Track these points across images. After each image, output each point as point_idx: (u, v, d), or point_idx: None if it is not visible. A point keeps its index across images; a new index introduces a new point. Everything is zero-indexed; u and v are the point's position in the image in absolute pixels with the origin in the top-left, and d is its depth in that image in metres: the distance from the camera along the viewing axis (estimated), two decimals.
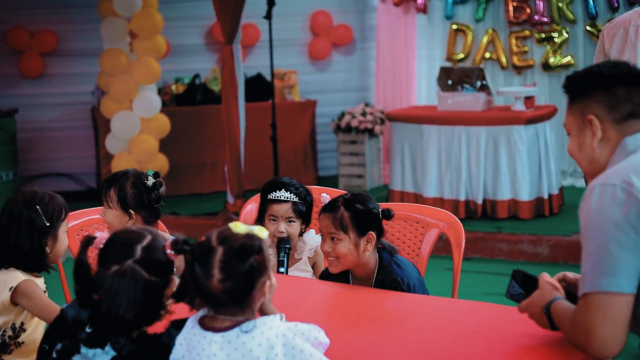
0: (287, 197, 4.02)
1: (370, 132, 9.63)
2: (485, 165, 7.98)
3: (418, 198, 8.30)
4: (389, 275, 3.45)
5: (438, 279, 7.03)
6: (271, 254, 4.07)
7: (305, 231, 4.13)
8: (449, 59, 9.75)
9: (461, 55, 9.65)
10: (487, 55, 9.57)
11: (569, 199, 8.45)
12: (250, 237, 2.49)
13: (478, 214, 8.04)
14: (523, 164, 7.88)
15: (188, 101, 9.82)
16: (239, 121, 8.45)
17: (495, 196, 8.01)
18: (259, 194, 4.21)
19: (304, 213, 4.05)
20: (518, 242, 7.51)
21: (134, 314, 2.56)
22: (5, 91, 9.93)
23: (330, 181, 10.11)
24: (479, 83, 8.22)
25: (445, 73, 8.40)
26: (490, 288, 6.77)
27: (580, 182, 9.13)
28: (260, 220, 4.12)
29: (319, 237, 4.09)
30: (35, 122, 9.98)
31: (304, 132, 9.99)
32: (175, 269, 2.64)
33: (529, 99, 8.11)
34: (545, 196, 8.04)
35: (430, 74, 9.80)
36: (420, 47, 10.00)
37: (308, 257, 4.09)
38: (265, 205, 4.07)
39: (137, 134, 8.71)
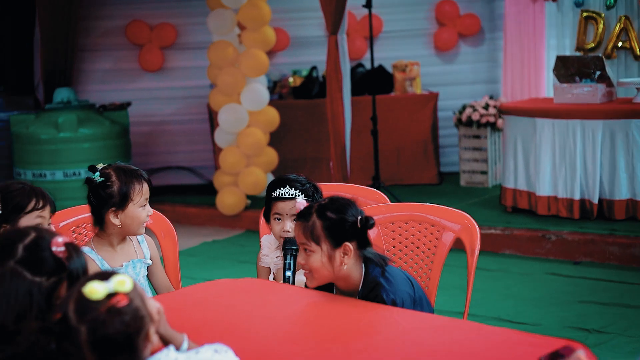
0: (292, 194, 3.70)
1: (493, 126, 9.15)
2: (602, 162, 7.40)
3: (531, 196, 7.79)
4: (373, 291, 3.09)
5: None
6: (277, 256, 3.80)
7: None
8: (579, 48, 9.11)
9: (592, 45, 9.01)
10: (620, 44, 8.90)
11: None
12: (110, 311, 2.11)
13: (594, 214, 7.46)
14: None
15: (305, 94, 9.60)
16: (343, 115, 8.16)
17: (612, 195, 7.42)
18: None
19: None
20: (631, 246, 6.91)
21: (15, 321, 2.32)
22: (125, 85, 9.99)
23: (452, 178, 9.70)
24: (597, 73, 7.63)
25: (561, 63, 7.84)
26: (592, 296, 6.22)
27: None
28: (266, 220, 3.83)
29: None
30: (153, 115, 10.01)
31: (425, 126, 9.59)
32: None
33: None
34: None
35: None
36: (550, 36, 9.42)
37: None
38: (270, 204, 3.78)
39: (245, 128, 8.54)
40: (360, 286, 3.12)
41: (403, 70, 9.63)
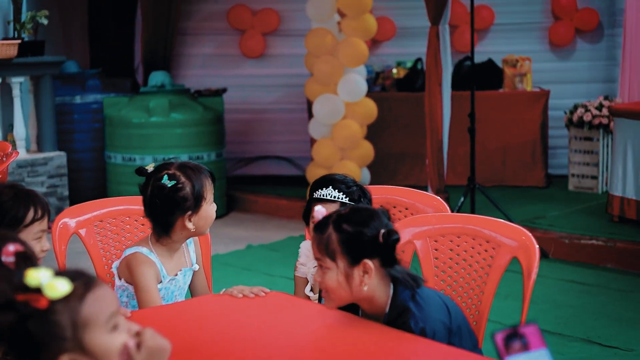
0: (335, 197, 3.32)
1: (606, 129, 8.57)
2: None
3: (639, 206, 7.21)
4: (401, 317, 2.68)
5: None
6: (315, 266, 3.43)
7: None
8: None
9: None
10: None
11: None
12: (15, 303, 1.79)
13: None
14: None
15: (408, 86, 9.19)
16: (441, 110, 7.72)
17: None
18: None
19: None
20: None
21: None
22: (224, 70, 9.77)
23: (560, 181, 9.15)
24: None
25: None
26: None
27: None
28: (305, 223, 3.46)
29: None
30: (251, 103, 9.77)
31: (534, 125, 9.06)
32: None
33: None
34: None
35: None
36: None
37: None
38: (310, 205, 3.41)
39: (341, 119, 8.18)
40: (387, 310, 2.73)
41: (513, 66, 9.13)
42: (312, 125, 8.35)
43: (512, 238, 3.09)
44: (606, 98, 8.77)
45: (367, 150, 8.35)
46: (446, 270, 3.22)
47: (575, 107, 8.73)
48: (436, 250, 3.24)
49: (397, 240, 2.65)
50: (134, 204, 3.54)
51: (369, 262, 2.66)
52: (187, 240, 3.38)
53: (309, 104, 9.06)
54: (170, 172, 3.19)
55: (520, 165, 9.10)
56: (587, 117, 8.53)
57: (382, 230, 2.66)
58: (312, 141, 8.83)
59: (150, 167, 3.25)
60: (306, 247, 3.53)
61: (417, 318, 2.65)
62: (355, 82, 8.16)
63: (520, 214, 7.70)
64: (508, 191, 8.81)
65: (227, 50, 9.77)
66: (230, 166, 9.61)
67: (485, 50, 9.31)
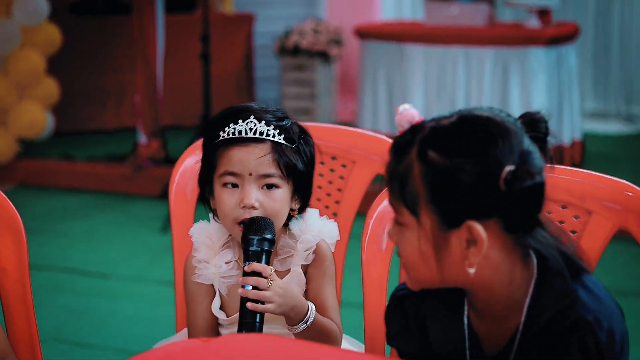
0: (263, 132, 1.90)
1: (324, 56, 7.58)
2: (492, 101, 6.03)
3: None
4: (567, 311, 1.44)
5: None
6: (229, 261, 1.91)
7: (298, 214, 2.03)
8: None
9: None
10: None
11: (591, 147, 6.66)
12: None
13: None
14: (541, 99, 5.95)
15: (88, 9, 7.77)
16: (155, 36, 6.35)
17: None
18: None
19: (296, 170, 1.95)
20: None
21: None
22: None
23: None
24: None
25: None
26: None
27: (605, 127, 7.26)
28: (207, 187, 1.99)
29: (325, 225, 2.04)
30: None
31: (238, 54, 7.91)
32: None
33: (544, 15, 6.16)
34: (567, 142, 6.14)
35: None
36: None
37: (302, 266, 1.99)
38: (214, 155, 1.94)
39: (17, 49, 6.56)
40: (528, 301, 1.47)
41: None
42: None
43: (610, 199, 1.85)
44: (318, 20, 7.77)
45: (51, 87, 6.83)
46: None
47: (287, 33, 7.65)
48: None
49: (538, 187, 1.40)
50: None
51: (477, 227, 1.39)
52: None
53: None
54: None
55: (224, 101, 7.88)
56: (305, 44, 7.47)
57: (508, 168, 1.38)
58: None
59: None
60: (203, 233, 2.01)
61: (596, 314, 1.44)
62: (34, 3, 6.56)
63: None
64: None
65: None
66: None
67: None
